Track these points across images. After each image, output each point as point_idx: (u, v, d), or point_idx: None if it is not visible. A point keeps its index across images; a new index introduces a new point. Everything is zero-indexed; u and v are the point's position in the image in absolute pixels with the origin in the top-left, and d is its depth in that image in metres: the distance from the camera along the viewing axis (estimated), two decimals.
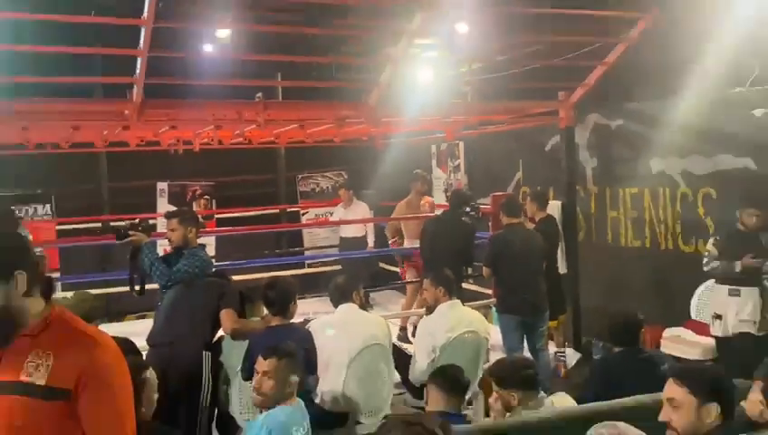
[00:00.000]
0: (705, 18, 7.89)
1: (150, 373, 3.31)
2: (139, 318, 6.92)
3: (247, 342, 4.53)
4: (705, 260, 6.04)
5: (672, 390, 2.69)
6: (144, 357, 4.44)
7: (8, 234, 2.35)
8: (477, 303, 7.67)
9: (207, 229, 10.84)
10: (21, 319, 1.99)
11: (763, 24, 7.45)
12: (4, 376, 1.98)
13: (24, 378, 1.96)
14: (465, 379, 3.77)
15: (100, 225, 10.31)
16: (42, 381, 1.96)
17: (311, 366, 4.53)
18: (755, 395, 3.96)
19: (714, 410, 2.64)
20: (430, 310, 5.53)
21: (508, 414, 3.41)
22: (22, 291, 1.99)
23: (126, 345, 3.99)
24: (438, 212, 8.45)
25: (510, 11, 7.83)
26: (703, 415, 2.65)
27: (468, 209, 7.45)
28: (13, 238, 2.27)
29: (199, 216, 5.48)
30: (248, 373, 4.24)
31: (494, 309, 7.87)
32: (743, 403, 3.66)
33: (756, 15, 7.29)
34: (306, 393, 4.28)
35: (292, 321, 4.81)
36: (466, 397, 4.21)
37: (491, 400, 3.53)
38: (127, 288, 5.58)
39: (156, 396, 3.35)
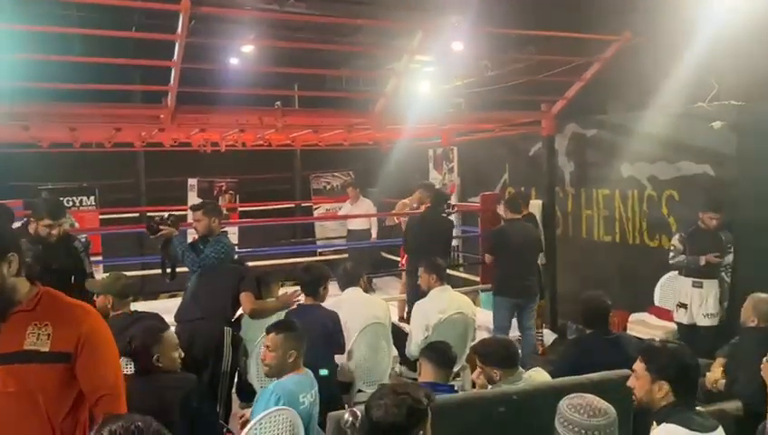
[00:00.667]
0: (670, 41, 7.85)
1: (167, 334, 3.36)
2: (170, 297, 6.92)
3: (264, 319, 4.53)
4: (671, 254, 6.13)
5: (636, 363, 2.76)
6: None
7: (1, 223, 2.39)
8: (467, 288, 7.72)
9: (231, 221, 10.90)
10: (13, 296, 2.06)
11: (720, 48, 7.43)
12: (7, 348, 2.03)
13: (27, 347, 2.03)
14: (453, 354, 3.75)
15: (137, 214, 10.32)
16: (46, 348, 2.05)
17: (338, 343, 4.60)
18: (716, 370, 3.97)
19: (664, 387, 2.66)
20: (424, 294, 5.54)
21: (490, 386, 3.40)
22: (14, 271, 2.05)
23: (154, 318, 4.01)
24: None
25: (499, 32, 7.80)
26: (654, 390, 2.69)
27: (446, 207, 7.87)
28: (4, 226, 2.39)
29: (222, 207, 5.51)
30: None
31: (481, 293, 7.90)
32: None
33: (715, 40, 7.28)
34: (335, 367, 4.25)
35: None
36: (454, 370, 4.19)
37: (474, 374, 3.55)
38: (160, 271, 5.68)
39: (176, 354, 3.36)
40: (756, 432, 3.36)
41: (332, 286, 5.27)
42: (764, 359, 3.43)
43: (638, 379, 2.74)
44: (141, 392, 2.98)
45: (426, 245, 6.85)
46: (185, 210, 9.42)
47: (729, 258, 5.85)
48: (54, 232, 4.67)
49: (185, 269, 5.37)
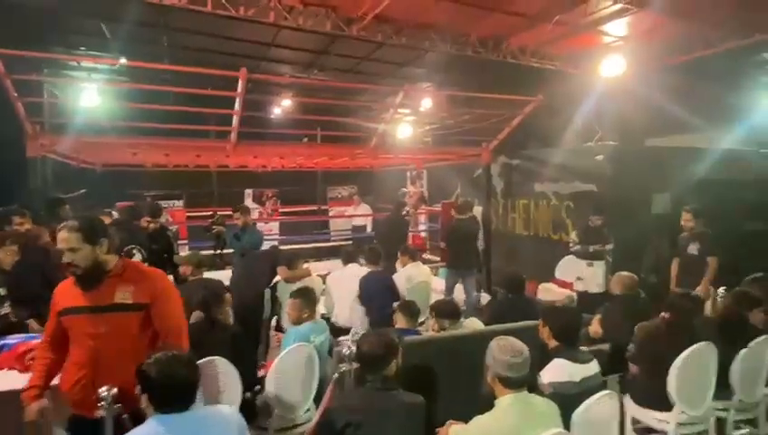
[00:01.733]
0: (569, 100, 7.92)
1: (227, 296, 3.30)
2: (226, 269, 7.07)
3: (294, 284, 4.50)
4: (571, 245, 6.14)
5: (541, 319, 2.80)
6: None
7: (97, 218, 2.44)
8: (431, 265, 7.72)
9: (274, 217, 10.87)
10: (105, 267, 2.13)
11: (601, 106, 7.50)
12: (102, 302, 2.09)
13: (116, 301, 2.09)
14: (418, 309, 3.74)
15: (211, 213, 10.31)
16: (130, 301, 2.11)
17: (396, 297, 4.56)
18: (595, 323, 3.99)
19: (552, 335, 2.72)
20: (403, 266, 5.49)
21: (443, 331, 3.40)
22: (105, 251, 2.12)
23: (218, 283, 3.97)
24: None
25: (455, 94, 7.81)
26: (545, 335, 2.75)
27: (405, 211, 8.06)
28: (100, 221, 2.36)
29: (249, 207, 5.74)
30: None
31: (440, 269, 7.91)
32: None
33: (598, 100, 7.37)
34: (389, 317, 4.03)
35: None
36: (420, 320, 4.19)
37: (431, 323, 3.53)
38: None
39: (229, 309, 3.31)
40: (626, 353, 3.38)
41: (338, 263, 5.28)
42: (635, 325, 3.47)
43: (541, 329, 2.76)
44: (207, 333, 2.98)
45: (391, 236, 6.85)
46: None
47: (609, 247, 5.86)
48: (153, 225, 4.70)
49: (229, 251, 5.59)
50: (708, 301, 4.51)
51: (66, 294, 2.15)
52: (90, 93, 8.12)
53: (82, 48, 8.25)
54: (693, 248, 5.05)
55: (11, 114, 4.78)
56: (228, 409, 1.95)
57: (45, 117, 5.94)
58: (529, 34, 7.35)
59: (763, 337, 3.19)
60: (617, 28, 7.15)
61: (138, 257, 4.05)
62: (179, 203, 11.03)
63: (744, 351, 3.12)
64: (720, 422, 3.17)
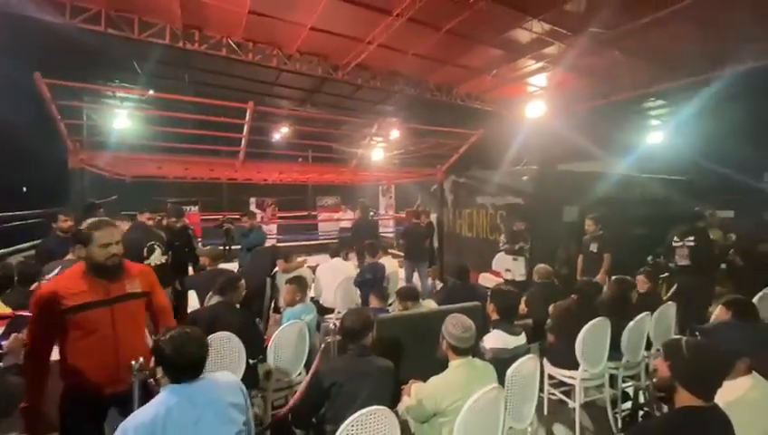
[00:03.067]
0: (503, 134, 8.05)
1: (242, 284, 3.14)
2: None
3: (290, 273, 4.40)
4: (501, 244, 6.20)
5: (488, 302, 2.81)
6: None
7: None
8: (398, 259, 7.68)
9: (273, 220, 10.61)
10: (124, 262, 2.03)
11: (527, 137, 7.65)
12: (118, 292, 1.96)
13: (128, 290, 1.99)
14: (388, 293, 3.72)
15: (222, 216, 10.00)
16: (139, 290, 2.02)
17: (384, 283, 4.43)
18: (523, 303, 4.03)
19: (494, 310, 2.72)
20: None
21: (406, 310, 3.39)
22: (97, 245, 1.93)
23: (231, 273, 3.82)
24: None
25: (417, 127, 7.87)
26: (490, 309, 2.75)
27: (372, 213, 7.98)
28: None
29: (255, 212, 5.58)
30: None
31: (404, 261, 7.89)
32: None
33: (525, 133, 7.49)
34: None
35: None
36: (389, 301, 4.18)
37: (397, 305, 3.51)
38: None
39: (243, 293, 3.17)
40: (545, 327, 3.43)
41: (326, 257, 5.18)
42: (551, 304, 3.53)
43: (488, 305, 2.77)
44: (222, 314, 2.89)
45: (364, 236, 6.71)
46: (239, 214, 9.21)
47: (528, 246, 5.93)
48: (177, 224, 4.48)
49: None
50: (605, 286, 4.67)
51: (70, 293, 1.85)
52: (121, 117, 7.80)
53: (117, 81, 7.92)
54: (593, 247, 5.20)
55: (55, 133, 4.55)
56: (229, 374, 1.83)
57: (84, 136, 5.66)
58: (473, 83, 7.53)
59: (643, 314, 3.32)
60: (538, 81, 7.42)
61: (158, 252, 3.84)
62: (195, 208, 10.65)
63: (630, 324, 3.23)
64: (612, 378, 3.26)
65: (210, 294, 3.41)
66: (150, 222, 4.26)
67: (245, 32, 5.70)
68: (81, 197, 5.03)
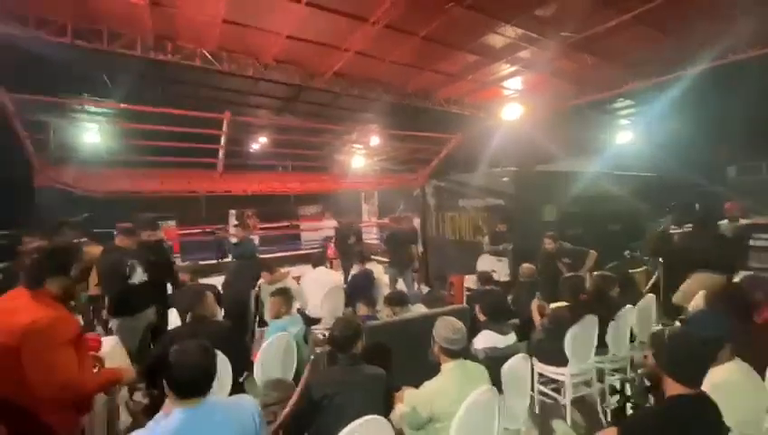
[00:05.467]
0: (482, 137, 8.18)
1: (208, 295, 2.88)
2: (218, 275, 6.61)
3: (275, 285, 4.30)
4: (485, 246, 6.24)
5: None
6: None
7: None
8: (382, 266, 7.68)
9: (255, 232, 10.37)
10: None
11: (506, 140, 7.80)
12: None
13: None
14: (375, 299, 3.69)
15: (200, 230, 9.73)
16: None
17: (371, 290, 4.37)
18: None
19: (481, 312, 2.76)
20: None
21: (395, 316, 3.37)
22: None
23: (210, 287, 3.73)
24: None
25: (396, 133, 7.92)
26: (479, 314, 2.73)
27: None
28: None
29: (251, 225, 5.41)
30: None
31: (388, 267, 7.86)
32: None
33: (503, 136, 7.63)
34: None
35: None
36: (377, 308, 4.14)
37: (385, 310, 3.48)
38: (214, 261, 5.39)
39: (217, 308, 3.00)
40: (538, 327, 3.44)
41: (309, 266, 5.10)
42: (534, 300, 3.56)
43: (476, 307, 2.79)
44: (198, 329, 2.77)
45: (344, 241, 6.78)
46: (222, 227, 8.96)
47: (510, 246, 5.99)
48: (154, 238, 4.25)
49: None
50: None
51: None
52: (91, 132, 7.52)
53: (85, 94, 7.65)
54: (566, 260, 5.30)
55: (20, 150, 4.34)
56: (244, 399, 1.71)
57: (51, 152, 5.41)
58: (451, 88, 7.63)
59: (626, 308, 3.41)
60: (513, 84, 7.57)
61: (139, 270, 3.69)
62: (172, 223, 10.34)
63: (613, 321, 3.32)
64: (600, 372, 3.32)
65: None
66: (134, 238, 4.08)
67: (220, 41, 5.61)
68: (48, 216, 4.81)
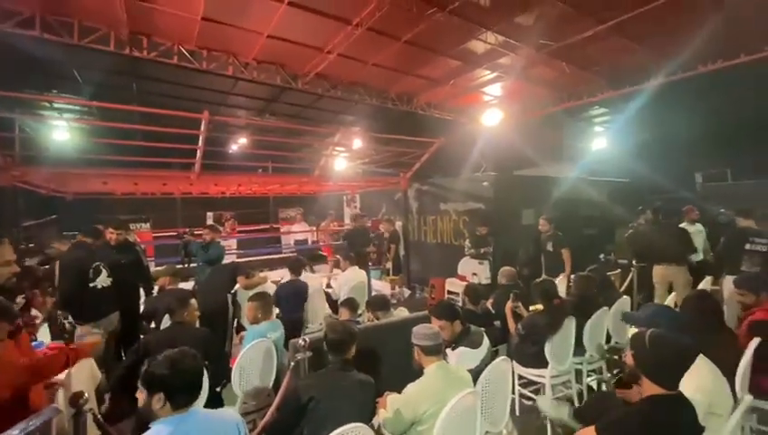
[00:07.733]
0: (463, 141, 8.27)
1: (192, 301, 2.88)
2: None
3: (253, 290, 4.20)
4: (466, 249, 6.27)
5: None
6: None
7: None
8: (375, 272, 7.59)
9: (233, 235, 10.16)
10: None
11: (486, 145, 7.91)
12: None
13: None
14: (357, 303, 3.66)
15: (175, 234, 9.41)
16: None
17: (305, 300, 4.33)
18: (488, 305, 4.06)
19: (456, 324, 2.64)
20: (344, 270, 5.32)
21: (376, 320, 3.34)
22: None
23: (184, 292, 3.59)
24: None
25: (379, 136, 7.91)
26: (455, 328, 2.67)
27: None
28: None
29: (219, 226, 5.26)
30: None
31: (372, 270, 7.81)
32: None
33: (484, 142, 7.74)
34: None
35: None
36: (359, 312, 4.10)
37: (368, 315, 3.45)
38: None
39: (197, 313, 2.93)
40: (515, 333, 3.43)
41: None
42: (508, 303, 3.59)
43: (444, 329, 2.61)
44: (177, 335, 2.68)
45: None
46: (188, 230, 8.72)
47: (490, 249, 6.05)
48: (117, 237, 4.01)
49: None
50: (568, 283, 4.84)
51: None
52: (60, 130, 7.19)
53: (54, 90, 7.32)
54: (549, 246, 5.46)
55: None
56: (227, 412, 1.73)
57: (17, 150, 5.12)
58: (433, 93, 7.70)
59: (601, 309, 3.49)
60: (493, 90, 7.71)
61: (104, 274, 3.51)
62: (147, 226, 10.00)
63: (589, 321, 3.38)
64: (578, 372, 3.38)
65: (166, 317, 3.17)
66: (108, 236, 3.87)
67: (199, 39, 5.47)
68: (12, 218, 4.54)
